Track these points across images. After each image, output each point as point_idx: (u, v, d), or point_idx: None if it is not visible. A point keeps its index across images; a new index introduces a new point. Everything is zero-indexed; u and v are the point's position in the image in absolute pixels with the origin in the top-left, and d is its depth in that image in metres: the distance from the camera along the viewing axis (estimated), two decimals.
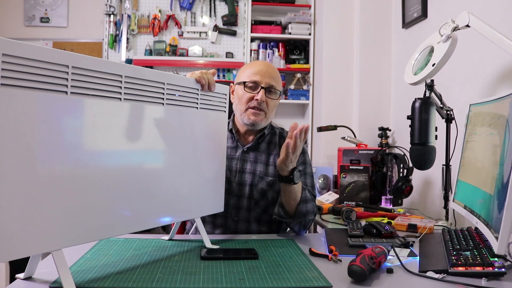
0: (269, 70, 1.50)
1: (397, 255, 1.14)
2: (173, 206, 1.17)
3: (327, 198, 2.23)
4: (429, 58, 1.65)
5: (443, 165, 1.74)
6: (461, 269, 1.03)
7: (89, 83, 0.91)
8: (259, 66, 1.51)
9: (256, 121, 1.48)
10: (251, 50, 3.38)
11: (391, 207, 2.05)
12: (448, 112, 1.74)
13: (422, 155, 1.62)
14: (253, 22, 3.38)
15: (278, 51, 3.37)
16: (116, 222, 1.00)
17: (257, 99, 1.45)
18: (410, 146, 1.66)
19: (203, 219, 1.50)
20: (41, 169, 0.83)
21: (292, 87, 3.34)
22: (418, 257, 1.18)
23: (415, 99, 1.64)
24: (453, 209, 1.59)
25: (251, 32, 3.36)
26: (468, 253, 1.10)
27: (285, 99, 3.35)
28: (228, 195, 1.49)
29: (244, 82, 1.48)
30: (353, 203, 2.13)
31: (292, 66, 3.34)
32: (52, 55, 0.83)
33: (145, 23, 3.33)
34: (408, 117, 1.66)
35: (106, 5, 3.32)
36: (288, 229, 1.55)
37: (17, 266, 1.05)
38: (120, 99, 0.98)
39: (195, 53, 3.33)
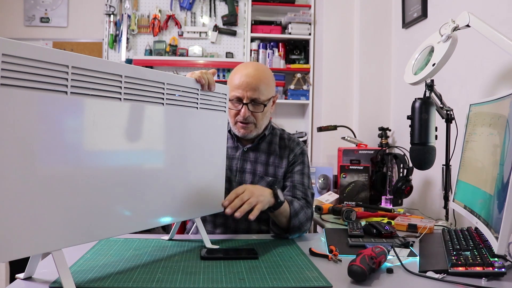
0: (251, 81, 1.44)
1: (397, 255, 1.14)
2: (173, 206, 1.17)
3: (327, 198, 2.23)
4: (429, 58, 1.66)
5: (443, 165, 1.74)
6: (461, 269, 1.03)
7: (89, 83, 0.90)
8: (240, 77, 1.45)
9: (245, 134, 1.49)
10: (251, 50, 3.38)
11: (391, 207, 2.05)
12: (448, 112, 1.74)
13: (422, 155, 1.62)
14: (253, 22, 3.37)
15: (278, 51, 3.37)
16: (116, 222, 0.99)
17: (241, 116, 1.45)
18: (410, 146, 1.66)
19: (204, 218, 1.50)
20: (41, 169, 0.83)
21: (292, 87, 3.34)
22: (418, 257, 1.18)
23: (415, 99, 1.64)
24: (453, 209, 1.59)
25: (251, 32, 3.36)
26: (468, 253, 1.10)
27: (285, 99, 3.35)
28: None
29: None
30: (353, 203, 2.13)
31: (292, 66, 3.34)
32: (52, 55, 0.83)
33: (145, 23, 3.33)
34: (408, 117, 1.66)
35: (106, 5, 3.31)
36: None
37: (17, 266, 1.05)
38: (120, 99, 0.98)
39: (195, 53, 3.33)
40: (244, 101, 1.45)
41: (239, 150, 1.55)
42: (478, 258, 1.05)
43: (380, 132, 2.69)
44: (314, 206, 1.82)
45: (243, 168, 1.53)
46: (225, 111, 1.35)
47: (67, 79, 0.86)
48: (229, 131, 1.57)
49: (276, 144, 1.56)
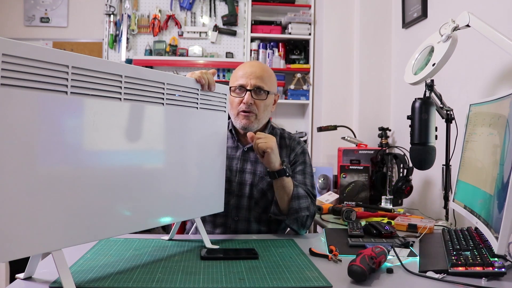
0: (255, 71, 1.48)
1: (397, 255, 1.14)
2: (173, 206, 1.17)
3: (327, 198, 2.23)
4: (429, 58, 1.66)
5: (443, 165, 1.74)
6: (461, 269, 1.03)
7: (89, 83, 0.91)
8: (244, 68, 1.51)
9: (246, 125, 1.48)
10: (251, 50, 3.38)
11: (391, 207, 2.05)
12: (448, 112, 1.74)
13: (422, 155, 1.62)
14: (253, 22, 3.37)
15: (278, 51, 3.37)
16: (116, 222, 0.99)
17: (244, 102, 1.46)
18: (410, 146, 1.66)
19: (203, 218, 1.50)
20: (41, 169, 0.83)
21: (292, 87, 3.34)
22: (418, 257, 1.18)
23: (415, 99, 1.64)
24: (453, 209, 1.59)
25: (251, 32, 3.36)
26: (468, 253, 1.10)
27: (285, 99, 3.35)
28: (229, 195, 1.49)
29: (231, 87, 1.50)
30: (353, 203, 2.13)
31: (292, 66, 3.34)
32: (52, 55, 0.83)
33: (145, 23, 3.33)
34: (408, 117, 1.66)
35: (106, 5, 3.32)
36: (288, 229, 1.55)
37: (17, 266, 1.05)
38: (120, 99, 0.98)
39: (195, 53, 3.33)
40: (248, 88, 1.47)
41: (239, 150, 1.55)
42: (478, 258, 1.05)
43: (380, 132, 2.69)
44: None
45: (243, 168, 1.52)
46: (225, 111, 1.35)
47: (67, 79, 0.86)
48: (230, 131, 1.57)
49: (277, 145, 1.55)
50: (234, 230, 1.50)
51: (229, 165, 1.51)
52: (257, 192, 1.49)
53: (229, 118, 1.58)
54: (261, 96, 1.48)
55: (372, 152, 2.38)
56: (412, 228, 1.53)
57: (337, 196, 2.25)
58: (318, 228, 2.09)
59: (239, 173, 1.52)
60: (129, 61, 3.26)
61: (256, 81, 1.47)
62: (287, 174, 1.37)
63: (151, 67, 3.16)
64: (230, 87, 1.50)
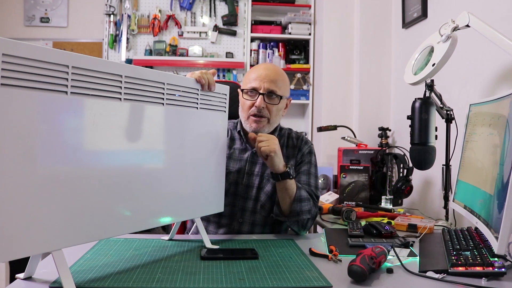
0: (269, 74, 1.46)
1: (397, 255, 1.14)
2: (173, 206, 1.17)
3: (327, 198, 2.23)
4: (429, 58, 1.66)
5: (443, 165, 1.74)
6: (461, 269, 1.03)
7: (89, 83, 0.91)
8: (258, 71, 1.48)
9: (257, 128, 1.46)
10: (251, 50, 3.38)
11: (391, 207, 2.05)
12: (448, 112, 1.74)
13: (422, 155, 1.62)
14: (253, 22, 3.38)
15: (278, 51, 3.38)
16: (116, 222, 0.99)
17: (256, 106, 1.44)
18: (410, 146, 1.66)
19: (208, 219, 1.50)
20: (41, 169, 0.83)
21: (292, 87, 3.34)
22: (418, 257, 1.18)
23: (415, 99, 1.64)
24: (453, 209, 1.59)
25: (251, 32, 3.36)
26: (468, 253, 1.10)
27: None
28: (235, 197, 1.48)
29: (243, 90, 1.49)
30: (353, 203, 2.13)
31: (292, 66, 3.34)
32: (52, 55, 0.83)
33: (145, 23, 3.34)
34: (408, 117, 1.66)
35: (106, 5, 3.32)
36: (289, 228, 1.55)
37: (17, 266, 1.05)
38: (120, 99, 0.98)
39: (195, 53, 3.33)
40: (261, 91, 1.44)
41: (248, 152, 1.53)
42: (478, 258, 1.05)
43: (380, 132, 2.69)
44: None
45: (252, 171, 1.51)
46: (225, 111, 1.35)
47: (67, 79, 0.86)
48: (238, 132, 1.56)
49: (284, 145, 1.55)
50: (238, 232, 1.49)
51: (237, 167, 1.50)
52: (264, 195, 1.48)
53: (237, 118, 1.57)
54: (273, 100, 1.46)
55: (372, 152, 2.38)
56: (412, 228, 1.53)
57: (337, 196, 2.25)
58: (318, 228, 2.09)
59: (246, 175, 1.50)
60: (129, 61, 3.26)
61: (270, 85, 1.44)
62: (291, 176, 1.36)
63: (151, 67, 3.16)
64: (242, 90, 1.48)
